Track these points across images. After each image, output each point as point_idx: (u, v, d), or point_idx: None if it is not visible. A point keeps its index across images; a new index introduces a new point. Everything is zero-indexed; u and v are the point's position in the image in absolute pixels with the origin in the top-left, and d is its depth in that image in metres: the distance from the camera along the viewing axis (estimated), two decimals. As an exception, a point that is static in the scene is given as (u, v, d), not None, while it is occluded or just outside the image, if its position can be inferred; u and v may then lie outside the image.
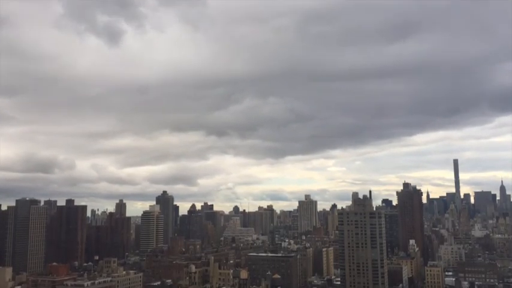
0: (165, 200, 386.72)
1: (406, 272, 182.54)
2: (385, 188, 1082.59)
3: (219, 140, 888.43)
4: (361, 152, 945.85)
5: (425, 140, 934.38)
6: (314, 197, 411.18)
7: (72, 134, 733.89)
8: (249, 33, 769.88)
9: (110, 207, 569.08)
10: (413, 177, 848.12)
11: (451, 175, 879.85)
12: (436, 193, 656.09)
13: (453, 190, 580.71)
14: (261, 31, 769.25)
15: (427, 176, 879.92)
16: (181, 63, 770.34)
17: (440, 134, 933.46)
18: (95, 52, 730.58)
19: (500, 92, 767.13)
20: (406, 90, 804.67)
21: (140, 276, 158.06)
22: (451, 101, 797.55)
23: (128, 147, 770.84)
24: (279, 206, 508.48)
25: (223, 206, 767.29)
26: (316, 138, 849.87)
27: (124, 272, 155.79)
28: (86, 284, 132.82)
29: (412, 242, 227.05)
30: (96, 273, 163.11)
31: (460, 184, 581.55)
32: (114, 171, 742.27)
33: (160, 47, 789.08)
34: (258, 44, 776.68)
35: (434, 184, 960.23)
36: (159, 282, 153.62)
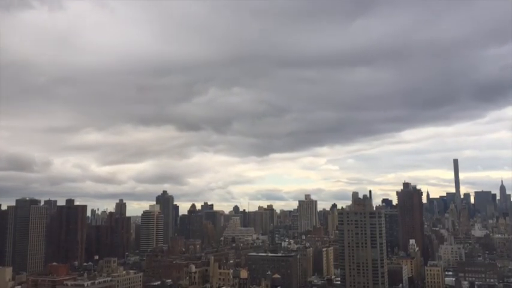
0: (165, 200, 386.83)
1: (406, 272, 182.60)
2: (380, 188, 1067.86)
3: (194, 135, 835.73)
4: (351, 150, 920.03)
5: (415, 137, 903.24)
6: (307, 197, 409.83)
7: (32, 128, 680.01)
8: (203, 12, 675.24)
9: (101, 207, 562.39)
10: (409, 176, 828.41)
11: (447, 175, 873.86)
12: (435, 193, 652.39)
13: (450, 190, 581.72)
14: (216, 9, 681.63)
15: (423, 176, 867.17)
16: (130, 48, 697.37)
17: (431, 130, 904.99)
18: (35, 35, 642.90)
19: (487, 81, 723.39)
20: (384, 79, 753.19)
21: (140, 276, 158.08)
22: (435, 91, 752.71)
23: (99, 144, 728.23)
24: (276, 206, 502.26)
25: (220, 206, 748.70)
26: (298, 135, 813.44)
27: (124, 272, 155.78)
28: (86, 283, 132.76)
29: (412, 241, 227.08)
30: (96, 273, 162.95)
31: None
32: (96, 169, 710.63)
33: (107, 30, 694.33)
34: (215, 26, 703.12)
35: (430, 184, 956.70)
36: (159, 282, 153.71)
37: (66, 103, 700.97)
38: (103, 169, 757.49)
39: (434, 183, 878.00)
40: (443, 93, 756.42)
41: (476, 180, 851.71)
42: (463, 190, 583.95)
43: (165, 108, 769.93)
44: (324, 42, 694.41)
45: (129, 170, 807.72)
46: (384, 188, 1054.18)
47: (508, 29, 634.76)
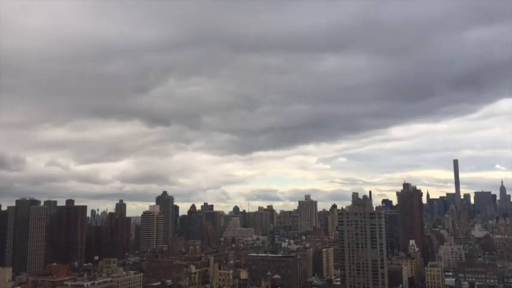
0: (165, 201, 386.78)
1: (406, 273, 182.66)
2: (376, 188, 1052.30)
3: (165, 131, 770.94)
4: (340, 148, 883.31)
5: (405, 134, 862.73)
6: (307, 198, 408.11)
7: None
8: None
9: (91, 207, 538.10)
10: (405, 176, 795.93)
11: (442, 174, 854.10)
12: (431, 194, 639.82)
13: (447, 190, 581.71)
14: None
15: (418, 176, 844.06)
16: (65, 30, 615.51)
17: (421, 127, 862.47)
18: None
19: (472, 69, 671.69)
20: (359, 68, 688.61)
21: (140, 277, 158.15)
22: (416, 80, 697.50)
23: (66, 141, 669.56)
24: (274, 207, 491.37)
25: (218, 207, 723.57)
26: (278, 131, 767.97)
27: (124, 272, 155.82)
28: (85, 284, 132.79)
29: (412, 242, 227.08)
30: (96, 273, 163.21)
31: (448, 183, 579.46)
32: (75, 168, 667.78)
33: (38, 10, 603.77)
34: (168, 5, 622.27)
35: (425, 184, 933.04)
36: (159, 283, 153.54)
37: (10, 94, 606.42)
38: (82, 168, 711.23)
39: (428, 184, 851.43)
40: (425, 83, 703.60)
41: (472, 180, 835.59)
42: (452, 190, 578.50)
43: (123, 100, 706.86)
44: (288, 23, 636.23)
45: (110, 169, 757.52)
46: (380, 189, 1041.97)
47: (494, 7, 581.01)
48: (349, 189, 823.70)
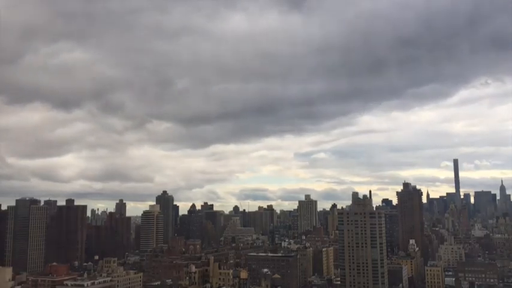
0: (165, 200, 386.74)
1: (406, 272, 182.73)
2: (367, 187, 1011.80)
3: (81, 116, 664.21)
4: (312, 142, 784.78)
5: (380, 126, 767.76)
6: (300, 197, 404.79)
7: None
8: None
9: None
10: (391, 176, 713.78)
11: (429, 172, 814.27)
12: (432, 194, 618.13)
13: (435, 188, 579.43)
14: None
15: (405, 175, 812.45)
16: None
17: (393, 116, 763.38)
18: None
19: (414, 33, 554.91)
20: (286, 28, 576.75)
21: (140, 276, 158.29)
22: (363, 48, 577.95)
23: None
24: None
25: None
26: (222, 119, 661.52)
27: (124, 272, 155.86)
28: (86, 284, 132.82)
29: (412, 241, 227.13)
30: (96, 273, 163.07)
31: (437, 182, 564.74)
32: (24, 164, 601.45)
33: None
34: None
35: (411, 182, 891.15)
36: (159, 282, 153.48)
37: None
38: (20, 163, 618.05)
39: (417, 182, 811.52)
40: (374, 52, 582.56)
41: (464, 179, 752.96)
42: (447, 189, 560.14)
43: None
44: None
45: (56, 165, 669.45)
46: (371, 188, 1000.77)
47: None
48: (338, 188, 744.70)
